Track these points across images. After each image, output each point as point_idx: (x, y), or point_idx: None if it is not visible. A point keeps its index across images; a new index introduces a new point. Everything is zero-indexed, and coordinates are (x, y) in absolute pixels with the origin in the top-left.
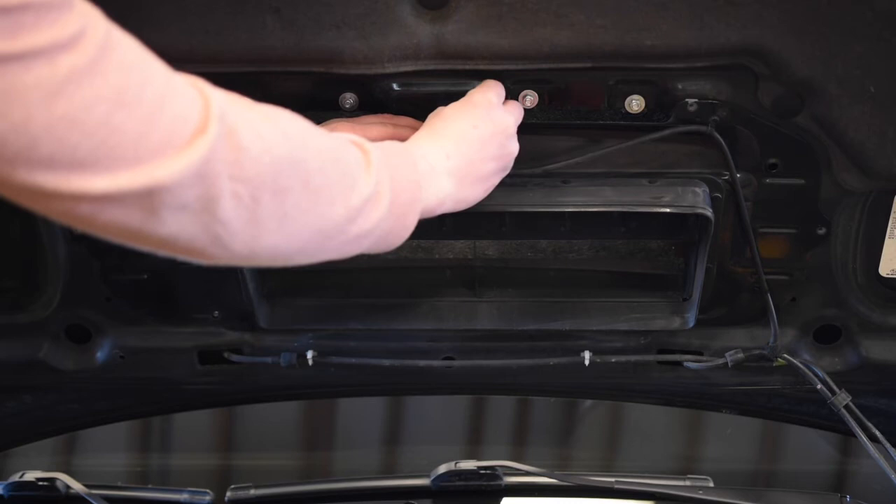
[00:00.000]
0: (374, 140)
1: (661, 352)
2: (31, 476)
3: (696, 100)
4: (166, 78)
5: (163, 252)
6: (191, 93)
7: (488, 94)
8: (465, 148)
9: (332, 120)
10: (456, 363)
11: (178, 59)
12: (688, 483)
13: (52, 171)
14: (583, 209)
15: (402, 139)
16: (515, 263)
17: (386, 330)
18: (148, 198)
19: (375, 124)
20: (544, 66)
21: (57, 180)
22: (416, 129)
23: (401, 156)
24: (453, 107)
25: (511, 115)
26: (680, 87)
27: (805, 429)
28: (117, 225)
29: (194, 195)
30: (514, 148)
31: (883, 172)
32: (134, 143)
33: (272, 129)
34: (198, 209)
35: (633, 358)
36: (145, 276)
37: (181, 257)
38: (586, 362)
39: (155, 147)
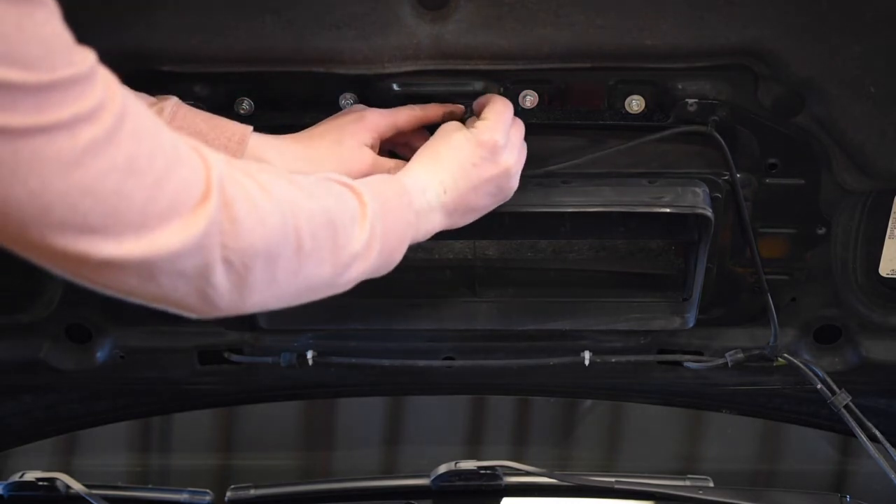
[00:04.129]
0: (403, 127)
1: (661, 352)
2: (31, 476)
3: (695, 100)
4: (173, 144)
5: (153, 306)
6: (194, 160)
7: (495, 136)
8: (463, 184)
9: (357, 106)
10: (456, 363)
11: (179, 59)
12: (688, 483)
13: (61, 235)
14: (583, 209)
15: (431, 122)
16: (515, 263)
17: (386, 330)
18: (147, 266)
19: (404, 110)
20: (544, 66)
21: (64, 242)
22: (442, 112)
23: (398, 198)
24: (460, 136)
25: (515, 152)
26: (680, 87)
27: (805, 429)
28: (115, 285)
29: (191, 264)
30: (513, 185)
31: (883, 172)
32: (141, 210)
33: (267, 199)
34: (193, 276)
35: (633, 358)
36: None
37: (170, 311)
38: (586, 362)
39: (160, 214)
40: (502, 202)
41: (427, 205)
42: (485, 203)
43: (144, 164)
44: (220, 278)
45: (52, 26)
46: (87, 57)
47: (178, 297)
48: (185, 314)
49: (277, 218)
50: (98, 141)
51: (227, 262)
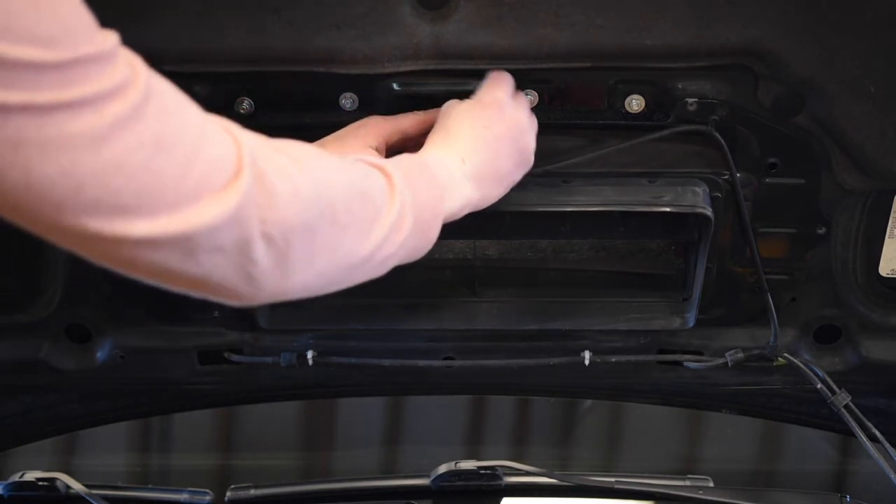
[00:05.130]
0: (408, 131)
1: (661, 352)
2: (31, 476)
3: (695, 99)
4: (201, 122)
5: (196, 293)
6: (223, 137)
7: (496, 93)
8: (481, 149)
9: (368, 118)
10: (456, 363)
11: (179, 58)
12: (688, 483)
13: (96, 215)
14: (583, 209)
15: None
16: (515, 263)
17: (386, 330)
18: (185, 242)
19: (408, 115)
20: (544, 66)
21: (100, 224)
22: None
23: (421, 172)
24: (464, 106)
25: (522, 110)
26: (680, 86)
27: (805, 429)
28: (156, 267)
29: (230, 239)
30: (528, 141)
31: (883, 172)
32: (173, 186)
33: (299, 171)
34: (233, 252)
35: (633, 358)
36: None
37: (214, 298)
38: (586, 362)
39: (193, 190)
40: (524, 167)
41: (450, 176)
42: (508, 166)
43: (173, 141)
44: (261, 254)
45: (70, 5)
46: (108, 37)
47: (220, 277)
48: (230, 302)
49: (312, 191)
50: (124, 117)
51: (267, 237)
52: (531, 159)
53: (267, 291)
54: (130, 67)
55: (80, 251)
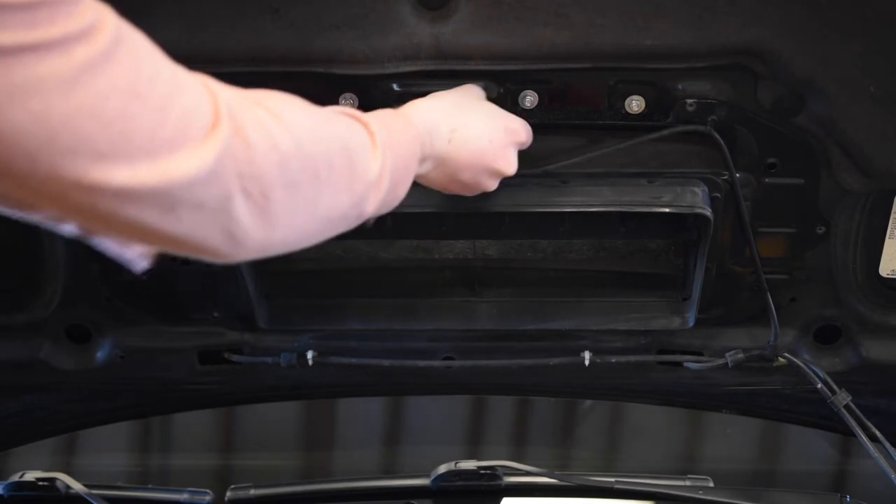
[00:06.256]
0: None
1: (661, 352)
2: (31, 476)
3: (695, 100)
4: (173, 72)
5: (177, 251)
6: (199, 87)
7: (521, 132)
8: (470, 142)
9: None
10: (456, 363)
11: (179, 58)
12: (688, 483)
13: (72, 162)
14: (582, 209)
15: None
16: (515, 263)
17: (386, 330)
18: (165, 195)
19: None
20: (544, 66)
21: (77, 171)
22: None
23: (404, 131)
24: (495, 107)
25: (515, 163)
26: (680, 87)
27: (805, 429)
28: (135, 222)
29: (210, 193)
30: (487, 186)
31: (883, 172)
32: (149, 133)
33: (278, 125)
34: (213, 207)
35: (633, 358)
36: (145, 277)
37: (194, 256)
38: (586, 362)
39: (171, 140)
40: (474, 191)
41: (431, 144)
42: (467, 180)
43: (147, 87)
44: (242, 210)
45: None
46: None
47: (203, 235)
48: (210, 259)
49: (291, 144)
50: (94, 61)
51: (246, 192)
52: (475, 193)
53: (249, 248)
54: (97, 12)
55: (57, 206)
